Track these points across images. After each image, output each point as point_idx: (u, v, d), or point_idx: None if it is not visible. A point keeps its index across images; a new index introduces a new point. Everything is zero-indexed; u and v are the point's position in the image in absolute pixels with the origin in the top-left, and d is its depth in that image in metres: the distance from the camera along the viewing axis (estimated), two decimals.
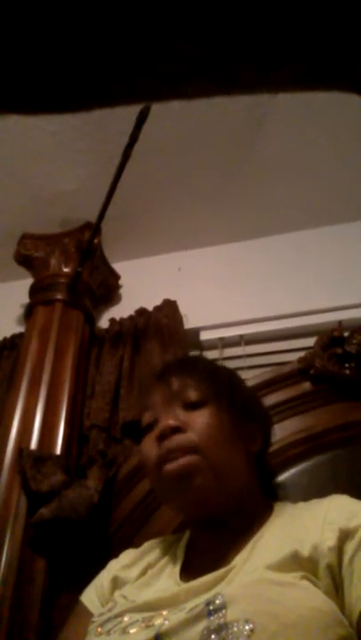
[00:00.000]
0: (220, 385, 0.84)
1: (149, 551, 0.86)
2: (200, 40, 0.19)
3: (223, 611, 0.59)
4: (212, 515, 0.78)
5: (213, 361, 0.96)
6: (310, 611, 0.59)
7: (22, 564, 1.13)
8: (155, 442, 0.79)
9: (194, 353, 1.56)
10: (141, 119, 1.11)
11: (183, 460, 0.75)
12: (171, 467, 0.76)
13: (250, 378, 1.21)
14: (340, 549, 0.65)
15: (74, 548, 1.17)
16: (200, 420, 0.78)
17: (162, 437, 0.78)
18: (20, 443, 1.29)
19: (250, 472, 0.82)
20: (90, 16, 0.18)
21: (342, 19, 0.18)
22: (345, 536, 0.65)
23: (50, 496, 1.16)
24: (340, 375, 1.20)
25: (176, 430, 0.78)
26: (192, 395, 0.81)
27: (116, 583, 0.83)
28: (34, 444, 1.29)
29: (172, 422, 0.78)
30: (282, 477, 1.11)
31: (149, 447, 0.81)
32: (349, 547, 0.65)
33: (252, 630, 0.56)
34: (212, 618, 0.59)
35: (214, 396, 0.81)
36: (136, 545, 0.92)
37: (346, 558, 0.64)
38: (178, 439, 0.77)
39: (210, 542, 0.78)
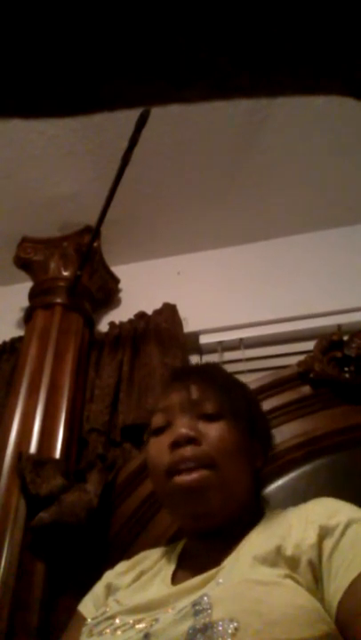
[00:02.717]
0: (236, 400, 0.84)
1: (143, 560, 0.88)
2: (199, 45, 0.19)
3: (209, 611, 0.60)
4: (214, 527, 0.78)
5: (230, 374, 0.96)
6: (294, 608, 0.60)
7: (22, 567, 1.13)
8: (167, 448, 0.79)
9: (193, 357, 1.56)
10: (141, 123, 1.11)
11: (197, 475, 0.75)
12: (183, 479, 0.75)
13: (249, 382, 1.20)
14: (319, 546, 0.66)
15: (73, 552, 1.16)
16: (216, 434, 0.78)
17: (176, 445, 0.77)
18: (20, 446, 1.28)
19: (252, 487, 0.83)
20: (90, 21, 0.18)
21: (339, 24, 0.18)
22: (325, 533, 0.67)
23: (49, 500, 1.16)
24: (339, 379, 1.20)
25: (191, 441, 0.77)
26: (210, 406, 0.81)
27: (110, 589, 0.84)
28: (33, 448, 1.28)
29: (189, 432, 0.78)
30: (281, 481, 1.11)
31: (160, 452, 0.80)
32: (328, 543, 0.66)
33: (236, 629, 0.57)
34: (197, 617, 0.60)
35: (230, 411, 0.81)
36: (135, 549, 0.92)
37: (325, 554, 0.65)
38: (194, 450, 0.76)
39: (202, 549, 0.79)
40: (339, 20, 0.19)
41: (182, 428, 0.78)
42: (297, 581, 0.64)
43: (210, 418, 0.80)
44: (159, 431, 0.82)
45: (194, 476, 0.75)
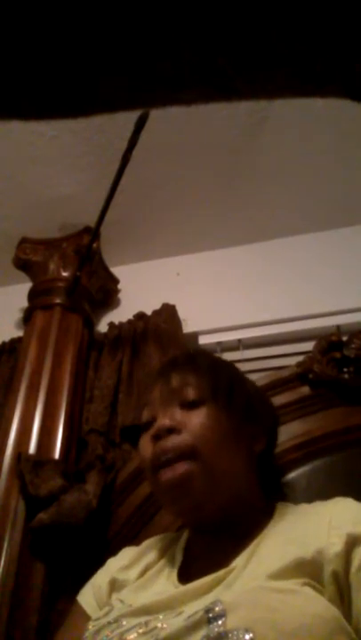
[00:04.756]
0: (219, 383, 0.81)
1: (148, 551, 0.85)
2: (199, 47, 0.19)
3: (223, 619, 0.58)
4: (209, 520, 0.77)
5: (216, 357, 0.93)
6: (312, 618, 0.58)
7: (21, 568, 1.13)
8: (150, 441, 0.78)
9: None
10: (140, 124, 1.11)
11: (179, 468, 0.74)
12: (166, 475, 0.74)
13: None
14: (347, 556, 0.63)
15: (72, 552, 1.16)
16: (197, 421, 0.77)
17: (157, 437, 0.77)
18: (19, 447, 1.28)
19: (250, 473, 0.80)
20: (91, 23, 0.18)
21: (336, 27, 0.19)
22: (353, 542, 0.64)
23: (48, 501, 1.15)
24: (338, 380, 1.20)
25: (171, 430, 0.76)
26: (190, 393, 0.79)
27: (114, 586, 0.81)
28: (32, 449, 1.28)
29: (167, 422, 0.77)
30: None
31: (145, 446, 0.79)
32: (358, 553, 0.63)
33: (251, 639, 0.55)
34: (211, 626, 0.58)
35: (213, 395, 0.79)
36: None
37: (354, 565, 0.63)
38: (173, 440, 0.75)
39: (208, 545, 0.77)
40: (337, 23, 0.19)
41: (163, 419, 0.77)
42: (316, 589, 0.62)
43: (191, 405, 0.78)
44: (146, 426, 0.81)
45: (176, 470, 0.73)
